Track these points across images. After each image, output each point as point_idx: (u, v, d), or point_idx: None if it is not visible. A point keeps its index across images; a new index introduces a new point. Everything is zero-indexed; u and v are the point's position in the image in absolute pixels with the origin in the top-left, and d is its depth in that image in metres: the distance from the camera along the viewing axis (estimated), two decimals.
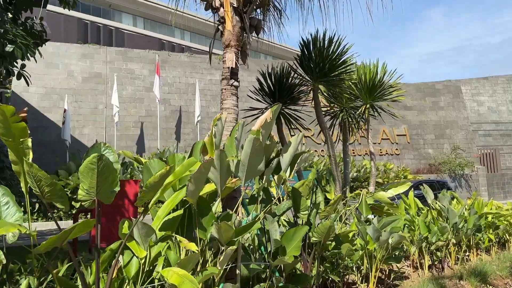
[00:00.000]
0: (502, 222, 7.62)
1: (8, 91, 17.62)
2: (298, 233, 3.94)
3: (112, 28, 36.27)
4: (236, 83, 4.95)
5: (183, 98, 19.43)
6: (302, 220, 4.63)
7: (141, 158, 4.50)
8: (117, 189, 2.77)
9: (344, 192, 6.50)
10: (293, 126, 7.34)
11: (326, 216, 4.51)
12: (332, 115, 7.97)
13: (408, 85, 24.86)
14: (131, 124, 18.32)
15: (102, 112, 17.92)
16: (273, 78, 6.88)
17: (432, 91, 25.18)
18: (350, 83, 7.18)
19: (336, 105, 7.81)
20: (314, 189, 5.53)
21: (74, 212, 11.67)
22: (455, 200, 8.58)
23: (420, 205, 7.62)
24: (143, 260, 3.19)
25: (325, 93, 7.55)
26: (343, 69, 6.29)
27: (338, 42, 6.17)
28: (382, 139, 22.89)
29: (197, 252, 3.18)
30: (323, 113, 8.11)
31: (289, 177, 4.20)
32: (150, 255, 3.36)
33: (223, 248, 3.39)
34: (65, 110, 15.89)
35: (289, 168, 4.30)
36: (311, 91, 6.72)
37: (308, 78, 6.43)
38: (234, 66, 4.85)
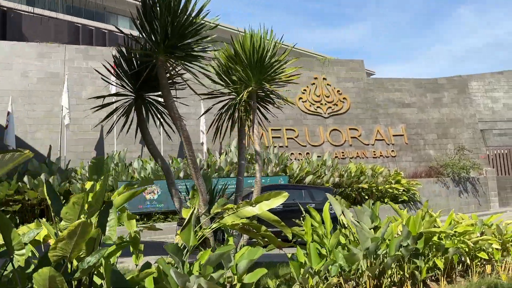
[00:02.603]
0: (451, 244, 5.63)
1: None
2: None
3: (106, 31, 35.18)
4: None
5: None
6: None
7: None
8: None
9: (209, 209, 4.68)
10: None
11: (60, 257, 2.72)
12: (225, 103, 6.09)
13: (407, 80, 22.66)
14: (90, 128, 16.85)
15: (57, 115, 16.52)
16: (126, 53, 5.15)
17: (434, 86, 22.87)
18: (225, 57, 5.33)
19: (222, 89, 5.93)
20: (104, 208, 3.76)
21: None
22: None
23: (347, 221, 5.70)
24: None
25: (209, 72, 5.70)
26: (195, 35, 4.49)
27: None
28: (376, 139, 20.74)
29: None
30: (218, 100, 6.24)
31: None
32: None
33: None
34: (8, 113, 14.55)
35: None
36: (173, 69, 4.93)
37: (154, 49, 4.64)
38: None
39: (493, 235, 6.69)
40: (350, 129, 20.56)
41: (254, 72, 5.10)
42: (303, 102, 20.41)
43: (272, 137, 19.29)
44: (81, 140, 16.66)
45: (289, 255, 5.19)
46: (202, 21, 4.59)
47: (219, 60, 5.42)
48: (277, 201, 4.28)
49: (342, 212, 5.57)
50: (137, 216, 12.88)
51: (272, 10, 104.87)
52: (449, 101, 22.77)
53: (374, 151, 20.49)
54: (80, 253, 2.85)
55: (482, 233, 6.65)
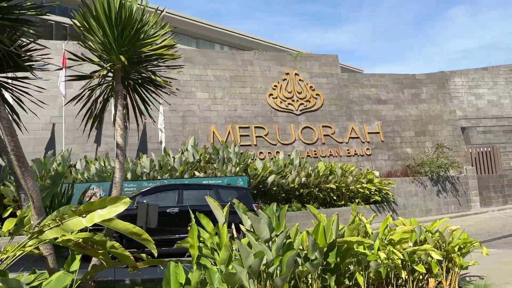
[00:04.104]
0: (373, 256, 4.64)
1: None
2: None
3: (67, 25, 34.02)
4: None
5: None
6: None
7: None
8: None
9: (43, 218, 3.67)
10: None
11: None
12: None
13: (382, 75, 21.72)
14: (41, 127, 15.79)
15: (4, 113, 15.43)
16: None
17: (412, 82, 21.94)
18: (76, 24, 4.30)
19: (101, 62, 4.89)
20: None
21: None
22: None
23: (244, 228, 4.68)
24: None
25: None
26: None
27: None
28: (350, 137, 19.77)
29: None
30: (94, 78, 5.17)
31: None
32: None
33: None
34: None
35: None
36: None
37: None
38: None
39: (437, 243, 5.75)
40: (323, 126, 19.59)
41: (113, 45, 4.12)
42: (273, 98, 19.42)
43: (240, 135, 18.28)
44: (32, 140, 15.53)
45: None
46: None
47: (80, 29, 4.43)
48: (115, 209, 3.29)
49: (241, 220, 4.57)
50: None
51: (270, 11, 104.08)
52: (428, 97, 21.85)
53: (348, 150, 19.53)
54: None
55: (423, 241, 5.69)
